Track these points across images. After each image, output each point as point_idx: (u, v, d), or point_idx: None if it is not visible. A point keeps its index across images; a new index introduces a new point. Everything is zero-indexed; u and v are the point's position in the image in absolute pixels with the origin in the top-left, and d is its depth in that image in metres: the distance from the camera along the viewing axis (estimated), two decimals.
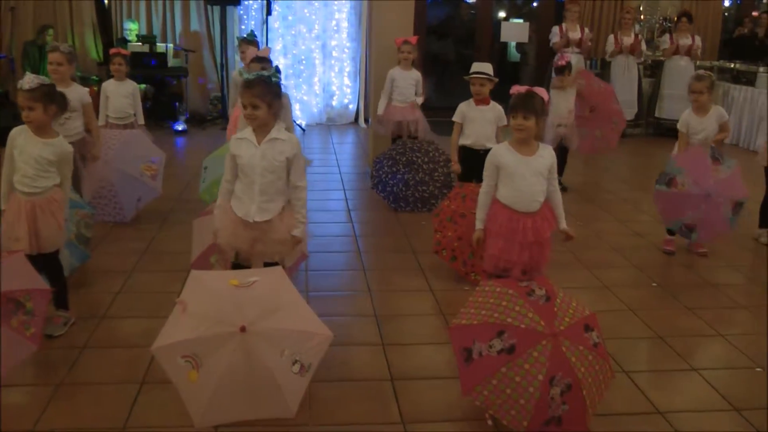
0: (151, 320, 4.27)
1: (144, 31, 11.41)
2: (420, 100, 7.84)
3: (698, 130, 6.03)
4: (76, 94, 5.91)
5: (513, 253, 4.10)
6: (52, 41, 9.57)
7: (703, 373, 4.20)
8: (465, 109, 6.22)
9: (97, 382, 3.84)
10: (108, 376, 3.90)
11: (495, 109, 6.21)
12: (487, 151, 6.09)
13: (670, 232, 6.14)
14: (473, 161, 6.21)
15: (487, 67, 6.18)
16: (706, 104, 6.03)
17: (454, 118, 6.25)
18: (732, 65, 12.23)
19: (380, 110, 7.85)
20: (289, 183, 4.04)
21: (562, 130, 7.93)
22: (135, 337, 4.31)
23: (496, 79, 6.24)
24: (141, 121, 7.24)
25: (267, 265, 4.09)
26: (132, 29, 11.22)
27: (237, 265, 4.17)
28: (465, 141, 6.28)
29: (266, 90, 3.87)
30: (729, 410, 3.82)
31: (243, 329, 3.15)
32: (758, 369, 4.28)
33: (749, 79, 11.61)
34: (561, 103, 7.99)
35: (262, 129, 3.96)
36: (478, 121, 6.17)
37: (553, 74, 8.12)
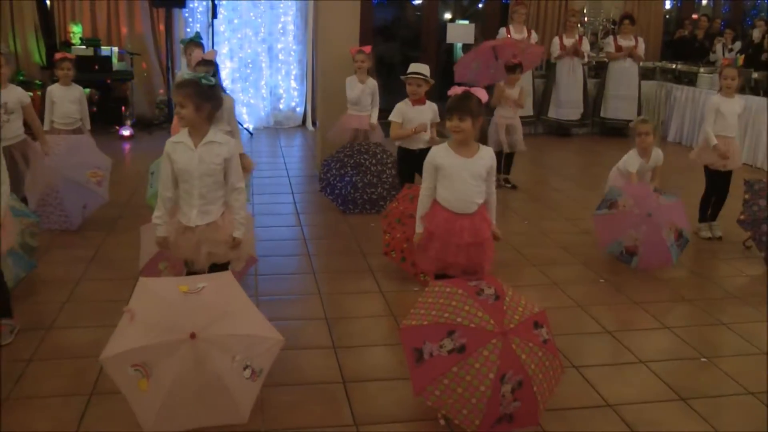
0: (100, 330, 4.21)
1: (88, 34, 11.22)
2: (375, 112, 7.80)
3: (642, 173, 6.27)
4: (14, 95, 5.82)
5: (449, 255, 4.09)
6: None
7: (651, 365, 4.28)
8: (403, 109, 6.29)
9: (44, 395, 3.76)
10: (56, 389, 3.82)
11: (431, 108, 6.31)
12: (423, 150, 6.18)
13: None
14: (411, 161, 6.28)
15: (424, 68, 6.26)
16: (650, 147, 6.22)
17: (393, 118, 6.32)
18: (674, 66, 12.48)
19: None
20: (227, 185, 4.03)
21: (509, 122, 8.23)
22: (83, 348, 4.23)
23: (433, 81, 6.30)
24: (88, 126, 7.15)
25: (215, 268, 4.08)
26: (76, 32, 11.02)
27: (192, 274, 4.13)
28: (402, 142, 6.33)
29: (194, 91, 3.86)
30: (676, 400, 3.91)
31: (193, 336, 3.13)
32: (703, 359, 4.39)
33: (690, 80, 11.87)
34: (508, 102, 8.19)
35: (197, 132, 3.95)
36: (415, 121, 6.24)
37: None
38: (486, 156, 4.11)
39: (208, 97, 3.91)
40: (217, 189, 4.00)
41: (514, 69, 8.18)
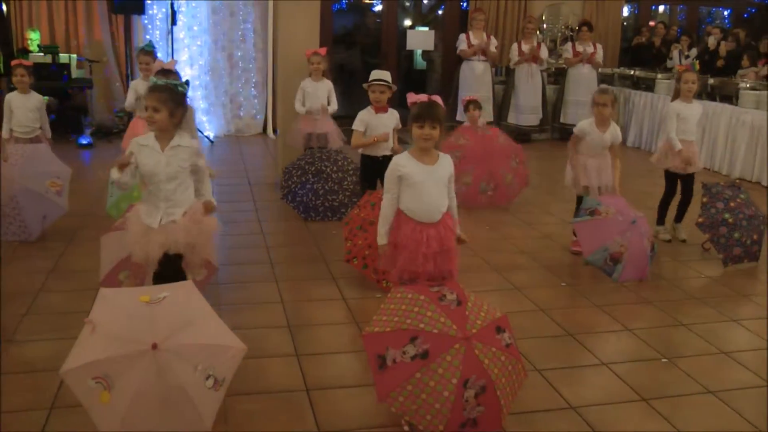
0: (60, 342, 4.15)
1: (46, 41, 11.08)
2: (332, 108, 7.84)
3: (596, 143, 6.19)
4: None
5: (417, 264, 4.05)
6: None
7: (612, 366, 4.34)
8: (366, 118, 6.28)
9: (4, 410, 3.69)
10: (15, 404, 3.75)
11: (393, 115, 6.31)
12: (386, 157, 6.19)
13: None
14: (375, 168, 6.27)
15: (386, 75, 6.26)
16: (608, 119, 6.19)
17: (355, 126, 6.29)
18: (632, 72, 12.65)
19: (299, 110, 7.82)
20: (194, 178, 4.14)
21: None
22: (43, 361, 4.17)
23: (395, 87, 6.31)
24: (48, 134, 7.07)
25: (168, 264, 4.11)
26: (33, 39, 10.87)
27: (159, 276, 4.15)
28: (365, 149, 6.33)
29: (169, 96, 3.94)
30: (638, 400, 3.97)
31: (155, 346, 3.10)
32: (664, 360, 4.45)
33: (648, 85, 12.05)
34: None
35: (164, 136, 4.00)
36: (379, 128, 6.23)
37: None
38: (446, 163, 4.11)
39: (181, 103, 4.01)
40: (183, 192, 4.07)
41: (467, 107, 8.23)
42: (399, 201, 4.11)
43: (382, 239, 4.18)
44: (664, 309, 5.25)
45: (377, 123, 6.25)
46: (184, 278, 4.12)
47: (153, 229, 4.03)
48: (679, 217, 6.92)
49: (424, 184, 4.03)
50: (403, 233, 4.07)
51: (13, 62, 7.16)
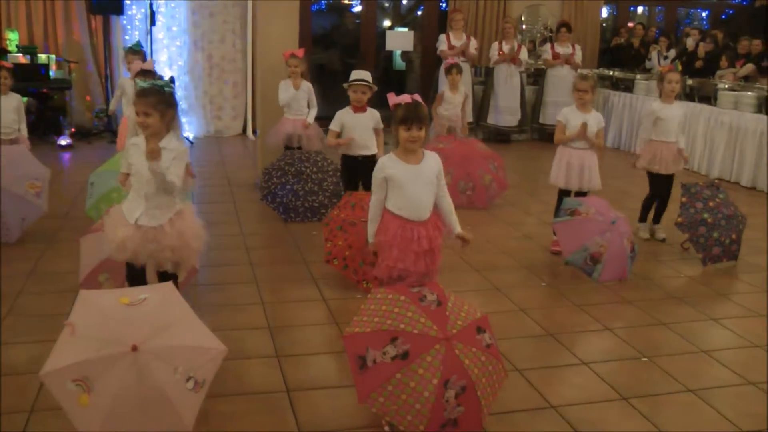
0: (40, 345, 4.13)
1: (24, 41, 11.00)
2: (312, 113, 7.82)
3: (577, 124, 6.21)
4: None
5: (408, 263, 4.03)
6: None
7: (592, 366, 4.36)
8: (343, 118, 6.29)
9: None
10: None
11: (372, 115, 6.31)
12: (366, 157, 6.18)
13: None
14: (354, 168, 6.27)
15: (366, 75, 6.26)
16: (589, 104, 6.25)
17: (331, 126, 6.32)
18: (611, 73, 12.73)
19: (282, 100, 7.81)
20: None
21: (451, 124, 8.58)
22: (22, 364, 4.13)
23: (375, 87, 6.31)
24: (25, 133, 7.02)
25: (163, 278, 4.14)
26: (12, 39, 10.79)
27: (133, 271, 4.17)
28: (345, 149, 6.33)
29: (159, 99, 3.96)
30: (618, 399, 3.99)
31: (134, 348, 3.09)
32: (644, 359, 4.48)
33: (627, 86, 12.13)
34: (452, 106, 8.56)
35: (153, 137, 3.99)
36: (357, 128, 6.25)
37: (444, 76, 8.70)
38: (432, 160, 4.07)
39: (170, 104, 4.03)
40: (164, 194, 4.07)
41: (450, 69, 8.39)
42: (387, 201, 4.08)
43: (371, 238, 4.17)
44: (644, 308, 5.28)
45: (355, 123, 6.25)
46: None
47: (137, 228, 4.03)
48: (657, 218, 6.97)
49: (410, 184, 4.00)
50: (392, 233, 4.03)
51: None
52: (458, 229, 4.20)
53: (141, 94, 3.98)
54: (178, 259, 4.17)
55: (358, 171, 6.28)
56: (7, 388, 3.90)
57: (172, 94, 4.06)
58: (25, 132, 7.02)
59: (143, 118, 3.94)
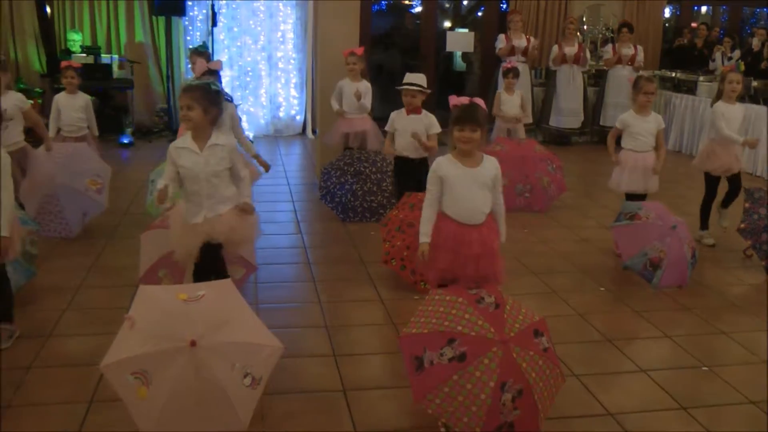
0: (99, 337, 4.20)
1: (88, 42, 11.23)
2: (364, 106, 7.77)
3: (641, 130, 6.15)
4: (12, 100, 5.83)
5: (459, 266, 4.03)
6: None
7: (651, 373, 4.28)
8: (396, 120, 6.23)
9: (44, 402, 3.76)
10: (56, 396, 3.82)
11: (426, 117, 6.21)
12: (420, 159, 6.14)
13: None
14: (407, 170, 6.24)
15: (419, 78, 6.15)
16: (650, 106, 6.21)
17: (387, 128, 6.28)
18: (673, 74, 12.50)
19: (334, 106, 7.80)
20: (233, 179, 4.20)
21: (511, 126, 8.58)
22: (83, 355, 4.23)
23: (429, 91, 6.22)
24: (95, 132, 7.16)
25: (208, 253, 4.19)
26: (76, 40, 11.03)
27: (199, 270, 4.21)
28: (398, 151, 6.29)
29: (202, 95, 4.03)
30: (677, 409, 3.91)
31: (193, 344, 3.12)
32: (704, 368, 4.38)
33: (690, 88, 11.89)
34: (508, 107, 8.55)
35: (200, 135, 4.08)
36: (407, 130, 6.15)
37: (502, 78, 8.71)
38: (490, 165, 4.06)
39: (215, 102, 4.08)
40: (225, 188, 4.14)
41: (506, 74, 8.38)
42: (441, 202, 4.08)
43: (423, 238, 4.13)
44: (704, 316, 5.17)
45: (406, 125, 6.16)
46: (225, 275, 4.15)
47: (197, 224, 4.11)
48: (726, 203, 6.84)
49: (465, 186, 4.00)
50: (445, 235, 4.04)
51: (63, 64, 7.27)
52: (503, 238, 4.22)
53: (186, 89, 4.08)
54: (232, 232, 4.20)
55: (410, 173, 6.25)
56: (67, 379, 3.99)
57: (218, 93, 4.12)
58: (95, 130, 7.16)
59: (185, 111, 4.02)
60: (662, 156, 6.22)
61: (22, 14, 10.89)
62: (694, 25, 14.00)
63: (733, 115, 6.52)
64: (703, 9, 15.70)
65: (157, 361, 3.13)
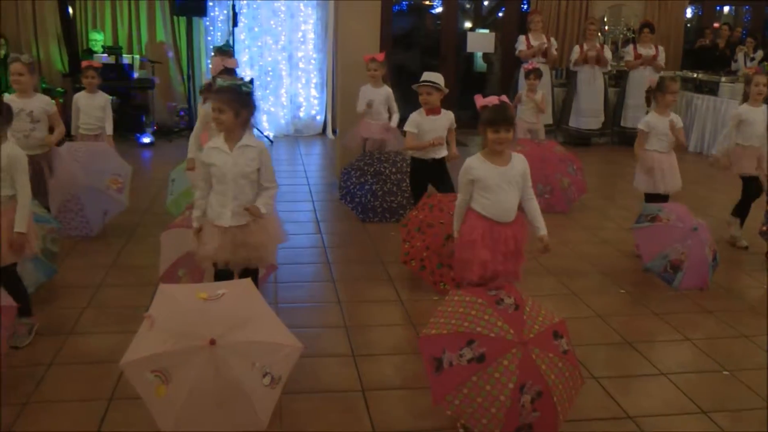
0: (119, 335, 4.23)
1: (110, 42, 11.30)
2: (395, 118, 7.72)
3: (664, 130, 6.12)
4: (40, 103, 5.86)
5: (497, 263, 4.06)
6: (10, 52, 9.45)
7: (671, 377, 4.25)
8: (418, 120, 6.12)
9: (64, 399, 3.79)
10: (76, 393, 3.85)
11: (447, 117, 6.17)
12: (436, 160, 6.12)
13: None
14: (425, 171, 6.21)
15: (435, 76, 6.07)
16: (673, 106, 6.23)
17: (408, 128, 6.14)
18: (695, 75, 12.39)
19: (361, 109, 7.74)
20: (259, 185, 4.17)
21: (531, 127, 8.64)
22: (103, 353, 4.26)
23: (446, 90, 6.14)
24: (109, 131, 7.16)
25: (245, 273, 4.18)
26: (97, 40, 11.11)
27: (221, 273, 4.22)
28: (416, 152, 6.26)
29: (233, 97, 4.02)
30: (697, 413, 3.88)
31: (212, 342, 3.13)
32: (725, 372, 4.34)
33: (712, 89, 11.78)
34: (528, 108, 8.59)
35: (231, 136, 4.08)
36: (430, 131, 6.09)
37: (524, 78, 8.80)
38: (518, 163, 4.08)
39: (246, 104, 4.08)
40: (251, 191, 4.14)
41: (528, 75, 8.40)
42: (473, 201, 4.11)
43: (456, 233, 4.22)
44: (725, 319, 5.13)
45: (429, 126, 6.09)
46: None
47: (224, 229, 4.09)
48: (741, 210, 6.75)
49: (497, 185, 4.02)
50: (479, 232, 4.06)
51: (84, 63, 7.31)
52: (544, 231, 4.20)
53: (218, 91, 4.07)
54: (262, 255, 4.24)
55: (427, 174, 6.23)
56: (87, 376, 4.03)
57: (249, 95, 4.11)
58: (110, 131, 7.18)
59: (217, 114, 4.02)
60: (681, 135, 6.17)
61: (45, 14, 10.99)
62: (716, 25, 13.90)
63: (757, 118, 6.46)
64: (726, 9, 15.56)
65: (177, 360, 3.14)
